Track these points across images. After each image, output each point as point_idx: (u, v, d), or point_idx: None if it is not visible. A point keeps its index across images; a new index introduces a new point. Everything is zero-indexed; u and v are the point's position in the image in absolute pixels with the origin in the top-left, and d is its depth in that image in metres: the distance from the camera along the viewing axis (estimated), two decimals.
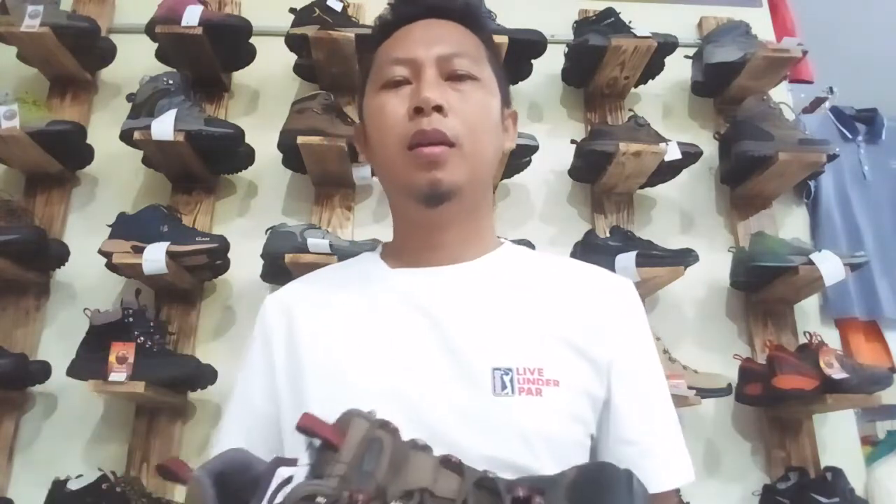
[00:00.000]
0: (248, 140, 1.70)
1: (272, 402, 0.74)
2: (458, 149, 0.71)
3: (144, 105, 1.64)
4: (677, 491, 0.80)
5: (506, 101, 0.82)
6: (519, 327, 0.71)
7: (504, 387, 0.66)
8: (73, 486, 1.40)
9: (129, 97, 1.68)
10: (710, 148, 1.88)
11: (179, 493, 1.51)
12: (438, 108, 0.71)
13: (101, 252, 1.54)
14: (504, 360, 0.67)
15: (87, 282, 1.69)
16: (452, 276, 0.76)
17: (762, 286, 1.70)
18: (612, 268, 1.56)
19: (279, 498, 0.44)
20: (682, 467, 0.73)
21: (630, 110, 1.87)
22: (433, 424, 0.65)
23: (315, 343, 0.74)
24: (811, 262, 1.59)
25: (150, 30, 1.74)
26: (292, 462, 0.48)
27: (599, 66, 1.85)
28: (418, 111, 0.71)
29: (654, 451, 0.71)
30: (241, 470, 0.50)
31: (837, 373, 1.50)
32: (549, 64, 1.90)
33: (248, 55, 1.84)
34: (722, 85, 1.93)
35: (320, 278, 0.86)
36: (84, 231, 1.73)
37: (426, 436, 0.63)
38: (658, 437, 0.73)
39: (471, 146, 0.72)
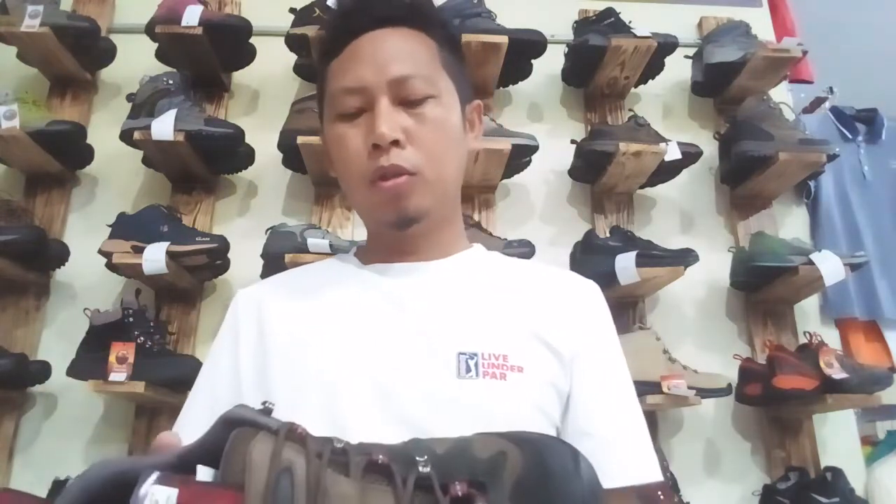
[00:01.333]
0: (248, 140, 1.70)
1: (236, 392, 0.73)
2: (420, 176, 0.71)
3: (144, 105, 1.64)
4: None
5: (466, 97, 0.81)
6: (485, 316, 0.73)
7: (469, 370, 0.67)
8: None
9: (129, 97, 1.68)
10: (710, 148, 1.88)
11: None
12: (395, 143, 0.70)
13: (101, 252, 1.54)
14: (469, 345, 0.69)
15: (87, 282, 1.69)
16: (422, 270, 0.77)
17: (762, 286, 1.70)
18: (612, 268, 1.56)
19: None
20: (644, 464, 0.71)
21: (630, 110, 1.87)
22: (399, 407, 0.66)
23: (282, 332, 0.74)
24: (811, 262, 1.59)
25: (150, 30, 1.74)
26: (165, 465, 0.38)
27: (599, 66, 1.85)
28: (376, 147, 0.70)
29: (612, 445, 0.70)
30: (111, 487, 0.39)
31: (837, 373, 1.50)
32: (549, 64, 1.90)
33: (248, 55, 1.84)
34: (722, 85, 1.93)
35: (293, 276, 0.87)
36: (84, 231, 1.73)
37: (392, 418, 0.64)
38: (618, 431, 0.72)
39: (432, 172, 0.72)
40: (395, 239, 0.78)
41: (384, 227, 0.76)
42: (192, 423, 0.75)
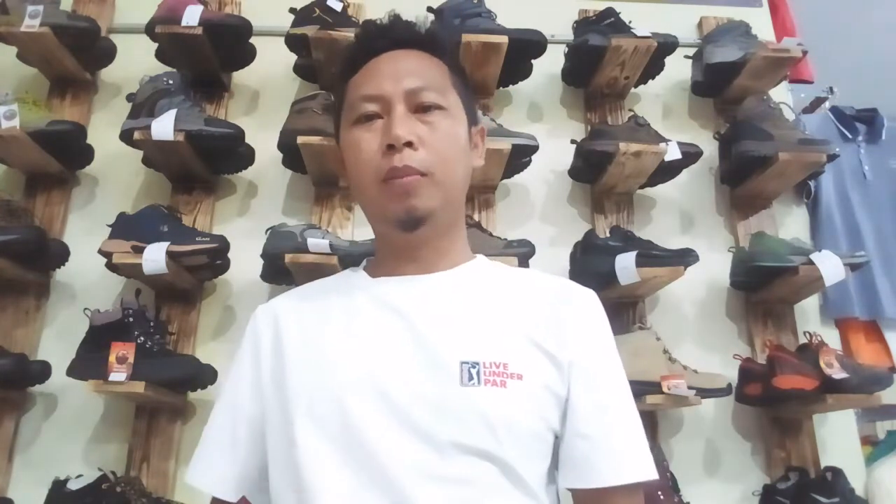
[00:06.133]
0: (248, 140, 1.69)
1: (258, 403, 0.80)
2: (430, 178, 0.76)
3: (144, 105, 1.64)
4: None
5: (473, 120, 0.87)
6: (486, 326, 0.77)
7: (471, 378, 0.71)
8: (73, 486, 1.40)
9: (129, 97, 1.68)
10: (710, 148, 1.88)
11: (179, 493, 1.51)
12: (409, 144, 0.75)
13: (101, 252, 1.54)
14: (471, 354, 0.73)
15: (87, 282, 1.68)
16: (427, 283, 0.81)
17: (762, 286, 1.70)
18: (612, 268, 1.56)
19: None
20: (638, 463, 0.74)
21: (630, 110, 1.87)
22: (404, 412, 0.70)
23: (297, 342, 0.80)
24: (811, 262, 1.59)
25: (150, 30, 1.73)
26: None
27: (599, 66, 1.84)
28: (391, 147, 0.75)
29: (607, 446, 0.74)
30: None
31: (837, 373, 1.50)
32: (549, 64, 1.90)
33: (248, 55, 1.84)
34: (722, 85, 1.93)
35: (307, 290, 0.92)
36: (84, 231, 1.73)
37: (401, 425, 0.69)
38: (613, 432, 0.75)
39: (442, 174, 0.77)
40: (402, 244, 0.82)
41: (392, 228, 0.79)
42: (219, 432, 0.83)
